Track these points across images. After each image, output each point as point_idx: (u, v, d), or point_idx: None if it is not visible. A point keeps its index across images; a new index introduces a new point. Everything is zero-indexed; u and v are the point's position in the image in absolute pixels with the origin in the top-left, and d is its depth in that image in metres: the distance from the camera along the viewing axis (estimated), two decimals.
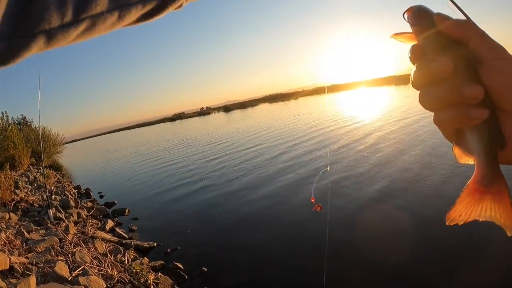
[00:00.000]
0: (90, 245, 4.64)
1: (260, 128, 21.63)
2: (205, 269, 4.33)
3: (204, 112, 64.46)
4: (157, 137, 29.73)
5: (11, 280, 3.15)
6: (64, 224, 5.46)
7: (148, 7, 0.40)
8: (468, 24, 0.28)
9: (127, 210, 7.26)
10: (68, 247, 4.42)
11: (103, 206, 7.77)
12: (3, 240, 4.35)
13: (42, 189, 8.48)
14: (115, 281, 3.57)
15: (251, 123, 27.93)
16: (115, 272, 3.74)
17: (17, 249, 4.07)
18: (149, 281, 3.65)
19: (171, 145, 21.74)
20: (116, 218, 6.77)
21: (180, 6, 0.44)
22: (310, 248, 4.45)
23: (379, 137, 11.05)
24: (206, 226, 6.21)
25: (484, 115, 0.27)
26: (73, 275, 3.47)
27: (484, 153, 0.29)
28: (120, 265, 4.02)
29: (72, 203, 7.16)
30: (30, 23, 0.31)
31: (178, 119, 60.92)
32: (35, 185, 9.62)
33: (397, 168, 7.09)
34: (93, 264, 3.91)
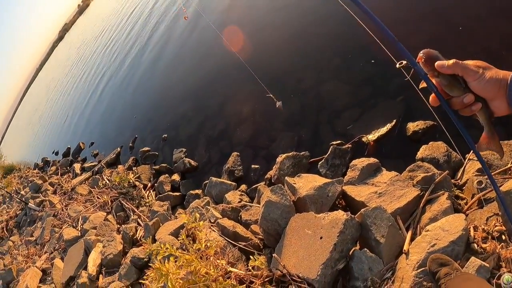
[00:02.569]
0: (75, 196, 4.71)
1: None
2: (166, 136, 4.46)
3: (82, 8, 45.83)
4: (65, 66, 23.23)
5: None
6: (46, 202, 5.45)
7: None
8: (454, 65, 0.62)
9: (81, 144, 6.98)
10: (63, 213, 4.54)
11: (63, 159, 7.49)
12: (21, 257, 4.51)
13: (11, 197, 8.16)
14: (110, 204, 3.76)
15: None
16: (105, 197, 3.90)
17: (35, 255, 4.23)
18: (131, 181, 3.80)
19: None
20: (79, 157, 6.61)
21: None
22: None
23: None
24: (144, 105, 6.04)
25: (478, 106, 0.63)
26: (78, 229, 3.67)
27: (486, 122, 0.66)
28: (105, 189, 4.14)
29: (39, 182, 6.95)
30: None
31: (65, 34, 46.27)
32: (5, 199, 9.24)
33: None
34: (86, 207, 4.07)
